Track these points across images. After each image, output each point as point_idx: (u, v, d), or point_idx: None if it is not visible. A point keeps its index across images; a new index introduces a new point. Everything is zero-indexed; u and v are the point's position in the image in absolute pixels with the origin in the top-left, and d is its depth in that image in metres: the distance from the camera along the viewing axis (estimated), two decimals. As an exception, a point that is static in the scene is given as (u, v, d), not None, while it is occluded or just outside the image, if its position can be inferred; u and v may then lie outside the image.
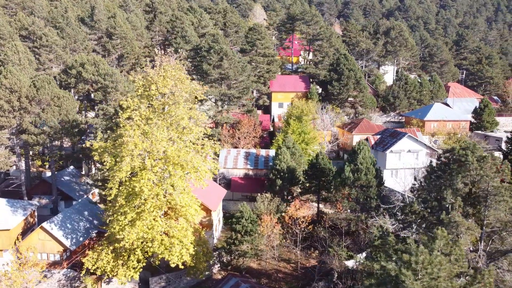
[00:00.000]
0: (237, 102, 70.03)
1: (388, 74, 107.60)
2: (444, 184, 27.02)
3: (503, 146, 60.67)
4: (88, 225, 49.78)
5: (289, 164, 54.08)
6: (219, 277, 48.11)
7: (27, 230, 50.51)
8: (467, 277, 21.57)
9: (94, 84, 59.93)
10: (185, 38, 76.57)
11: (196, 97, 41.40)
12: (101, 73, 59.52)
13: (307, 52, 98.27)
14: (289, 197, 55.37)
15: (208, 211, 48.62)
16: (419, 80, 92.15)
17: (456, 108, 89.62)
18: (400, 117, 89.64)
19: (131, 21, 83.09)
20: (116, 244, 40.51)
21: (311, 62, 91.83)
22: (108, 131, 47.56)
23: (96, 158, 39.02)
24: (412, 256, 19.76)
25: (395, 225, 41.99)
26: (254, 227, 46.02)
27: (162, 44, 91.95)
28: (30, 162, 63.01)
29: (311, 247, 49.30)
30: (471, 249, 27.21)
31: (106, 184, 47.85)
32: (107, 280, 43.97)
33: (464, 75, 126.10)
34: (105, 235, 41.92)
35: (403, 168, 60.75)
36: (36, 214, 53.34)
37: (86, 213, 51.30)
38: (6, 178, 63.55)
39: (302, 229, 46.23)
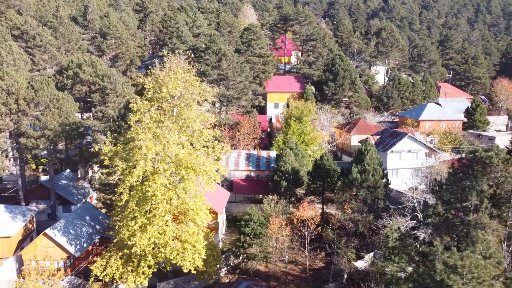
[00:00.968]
0: (236, 103, 69.50)
1: (379, 74, 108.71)
2: (468, 186, 27.25)
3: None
4: (90, 231, 48.55)
5: (294, 165, 53.94)
6: (226, 280, 47.62)
7: (26, 236, 48.90)
8: (501, 279, 21.78)
9: (92, 85, 58.51)
10: (181, 38, 75.55)
11: (206, 99, 40.71)
12: (99, 74, 58.20)
13: (301, 52, 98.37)
14: (293, 199, 55.28)
15: (214, 214, 48.04)
16: (412, 80, 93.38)
17: (447, 108, 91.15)
18: (394, 117, 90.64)
19: (124, 21, 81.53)
20: (126, 250, 39.61)
21: (305, 63, 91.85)
22: (113, 134, 46.42)
23: (106, 162, 37.93)
24: (458, 260, 19.77)
25: (406, 226, 42.36)
26: (263, 229, 45.71)
27: (155, 44, 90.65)
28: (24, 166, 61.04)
29: (317, 249, 49.32)
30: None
31: (115, 189, 46.95)
32: (114, 287, 42.93)
33: (451, 75, 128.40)
34: (114, 241, 40.85)
35: (404, 168, 61.42)
36: (34, 220, 51.71)
37: (87, 218, 50.02)
38: (0, 183, 61.49)
39: (311, 231, 46.11)
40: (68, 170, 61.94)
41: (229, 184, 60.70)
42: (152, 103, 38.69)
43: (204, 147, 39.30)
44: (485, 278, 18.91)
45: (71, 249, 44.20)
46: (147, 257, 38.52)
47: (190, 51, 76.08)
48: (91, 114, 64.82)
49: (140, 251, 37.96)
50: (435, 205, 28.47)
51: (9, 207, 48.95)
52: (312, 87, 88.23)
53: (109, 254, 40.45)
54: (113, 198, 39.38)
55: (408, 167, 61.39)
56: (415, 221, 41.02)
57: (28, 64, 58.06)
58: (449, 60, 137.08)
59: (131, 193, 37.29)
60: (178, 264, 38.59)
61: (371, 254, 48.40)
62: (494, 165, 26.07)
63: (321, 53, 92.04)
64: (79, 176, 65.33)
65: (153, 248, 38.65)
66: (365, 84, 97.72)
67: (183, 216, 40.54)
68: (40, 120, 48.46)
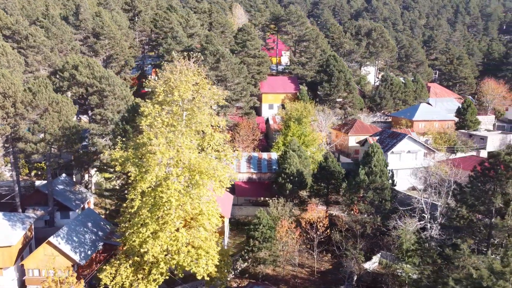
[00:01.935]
0: (234, 104, 68.88)
1: (370, 75, 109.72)
2: (491, 189, 27.54)
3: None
4: (93, 237, 47.24)
5: (298, 167, 53.76)
6: (235, 285, 47.10)
7: (26, 245, 47.20)
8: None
9: (89, 87, 56.93)
10: (176, 38, 74.35)
11: (217, 103, 40.01)
12: (97, 76, 56.69)
13: (294, 53, 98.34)
14: (296, 201, 55.11)
15: (222, 218, 47.41)
16: (403, 81, 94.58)
17: (438, 108, 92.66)
18: (386, 117, 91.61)
19: (116, 20, 79.75)
20: (136, 258, 38.62)
21: (298, 63, 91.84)
22: (117, 138, 45.13)
23: (118, 168, 36.81)
24: (506, 267, 19.87)
25: (415, 227, 42.69)
26: (272, 233, 45.36)
27: (147, 44, 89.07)
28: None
29: (325, 251, 49.27)
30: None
31: (121, 195, 45.77)
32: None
33: (437, 75, 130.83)
34: (123, 248, 39.73)
35: (403, 168, 62.05)
36: (33, 227, 49.95)
37: (90, 224, 48.66)
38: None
39: (320, 233, 46.01)
40: (64, 175, 60.13)
41: (231, 187, 59.96)
42: (163, 106, 37.77)
43: (215, 151, 38.66)
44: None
45: (76, 257, 42.87)
46: (160, 264, 37.63)
47: (184, 51, 75.31)
48: (86, 116, 63.14)
49: (153, 259, 37.04)
50: (459, 208, 28.69)
51: (7, 215, 47.17)
52: (306, 88, 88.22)
53: (118, 262, 39.32)
54: (124, 205, 38.19)
55: (407, 168, 62.07)
56: (429, 223, 41.39)
57: (22, 65, 56.02)
58: (434, 60, 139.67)
59: (143, 199, 36.32)
60: (191, 271, 37.84)
61: (378, 255, 48.76)
62: (518, 168, 26.41)
63: (314, 54, 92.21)
64: (74, 180, 63.55)
65: (166, 255, 37.79)
66: (357, 85, 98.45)
67: (194, 222, 39.82)
68: (39, 124, 46.76)
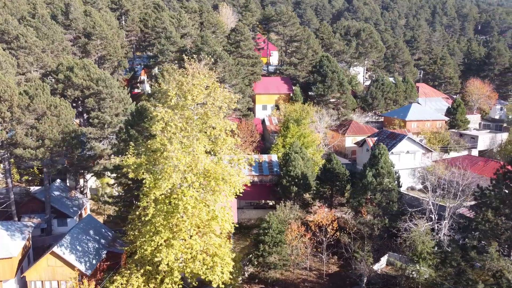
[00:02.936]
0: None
1: (358, 75, 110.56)
2: (516, 192, 27.83)
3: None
4: (97, 246, 45.63)
5: (303, 170, 53.47)
6: (243, 290, 46.43)
7: (25, 255, 45.19)
8: None
9: (85, 90, 55.05)
10: (170, 39, 72.87)
11: (229, 107, 39.20)
12: (93, 78, 54.89)
13: (285, 53, 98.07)
14: (300, 204, 54.76)
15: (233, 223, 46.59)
16: (394, 81, 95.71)
17: (427, 108, 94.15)
18: (378, 117, 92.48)
19: (106, 20, 77.58)
20: (148, 267, 37.47)
21: (291, 64, 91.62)
22: (122, 143, 43.73)
23: (131, 175, 35.56)
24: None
25: (426, 228, 43.01)
26: (282, 237, 44.90)
27: (137, 44, 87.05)
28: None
29: (335, 254, 49.14)
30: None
31: (126, 202, 44.29)
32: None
33: (421, 75, 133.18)
34: (134, 257, 38.45)
35: (402, 169, 62.59)
36: (30, 236, 47.86)
37: (92, 232, 46.99)
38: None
39: (329, 236, 45.85)
40: (58, 180, 57.97)
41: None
42: (176, 111, 36.72)
43: (231, 156, 37.88)
44: None
45: (82, 267, 41.24)
46: (174, 273, 36.60)
47: (179, 52, 73.98)
48: (80, 120, 61.11)
49: (167, 267, 35.99)
50: (484, 211, 28.91)
51: (5, 224, 45.05)
52: (299, 89, 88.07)
53: (128, 271, 38.06)
54: (134, 212, 36.91)
55: (406, 168, 62.69)
56: (439, 224, 41.72)
57: (14, 67, 53.63)
58: (418, 60, 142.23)
59: (158, 207, 35.20)
60: (206, 279, 36.97)
61: (386, 256, 49.00)
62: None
63: (306, 54, 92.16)
64: (68, 185, 61.39)
65: (180, 264, 36.78)
66: (349, 85, 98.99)
67: (206, 228, 38.93)
68: (38, 129, 44.79)
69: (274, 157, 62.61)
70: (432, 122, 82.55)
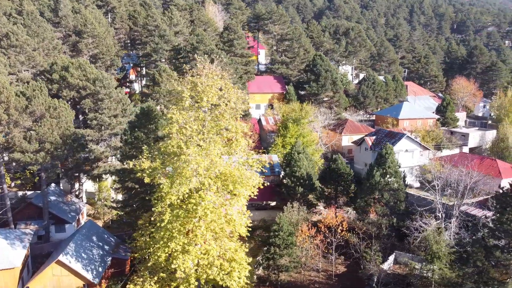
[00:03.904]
0: (230, 106, 66.90)
1: (347, 74, 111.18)
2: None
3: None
4: (101, 252, 44.07)
5: (308, 170, 53.13)
6: (255, 294, 45.74)
7: (25, 264, 43.09)
8: None
9: (82, 90, 53.03)
10: (164, 37, 71.13)
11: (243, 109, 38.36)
12: (90, 78, 52.92)
13: (276, 51, 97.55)
14: (306, 205, 54.43)
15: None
16: (384, 80, 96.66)
17: (417, 106, 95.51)
18: (369, 116, 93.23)
19: (95, 17, 75.10)
20: (162, 274, 36.31)
21: (282, 63, 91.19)
22: (126, 146, 42.22)
23: (146, 180, 34.22)
24: None
25: (435, 227, 43.35)
26: (292, 239, 44.43)
27: (127, 42, 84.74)
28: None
29: (344, 254, 48.99)
30: None
31: (133, 206, 42.79)
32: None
33: (406, 74, 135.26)
34: (148, 264, 37.14)
35: (401, 167, 63.11)
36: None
37: (95, 238, 45.35)
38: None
39: (340, 237, 45.67)
40: (53, 185, 55.72)
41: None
42: (190, 112, 35.60)
43: (246, 158, 37.04)
44: None
45: (89, 276, 39.69)
46: (190, 280, 35.54)
47: (173, 51, 72.39)
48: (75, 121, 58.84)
49: (184, 274, 34.91)
50: (509, 211, 29.20)
51: (3, 232, 42.93)
52: (293, 88, 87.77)
53: (141, 279, 36.77)
54: (152, 218, 35.60)
55: (405, 167, 63.20)
56: (448, 223, 42.11)
57: (7, 66, 51.06)
58: (402, 59, 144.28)
59: (174, 212, 34.05)
60: (224, 285, 36.09)
61: (393, 255, 49.22)
62: None
63: (297, 53, 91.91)
64: (62, 189, 59.12)
65: (196, 270, 35.76)
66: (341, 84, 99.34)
67: (221, 232, 38.02)
68: (37, 132, 42.75)
69: (274, 157, 62.05)
70: (423, 120, 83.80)
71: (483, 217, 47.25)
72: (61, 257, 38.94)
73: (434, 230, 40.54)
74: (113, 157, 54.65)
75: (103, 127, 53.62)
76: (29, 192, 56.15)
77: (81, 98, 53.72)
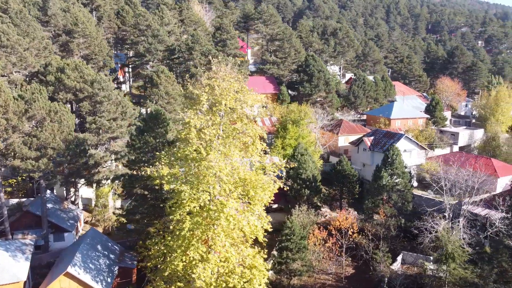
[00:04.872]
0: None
1: (336, 74, 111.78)
2: None
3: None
4: (108, 262, 42.38)
5: (313, 172, 52.83)
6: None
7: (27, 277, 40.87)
8: None
9: (79, 92, 50.93)
10: (158, 37, 69.32)
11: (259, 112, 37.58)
12: (87, 80, 50.86)
13: (266, 51, 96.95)
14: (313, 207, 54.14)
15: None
16: (374, 80, 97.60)
17: (405, 106, 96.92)
18: (360, 115, 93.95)
19: (85, 16, 72.42)
20: (179, 283, 35.12)
21: (274, 63, 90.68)
22: (135, 151, 40.66)
23: (166, 187, 32.93)
24: None
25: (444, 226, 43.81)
26: (304, 243, 43.99)
27: (118, 42, 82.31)
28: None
29: (354, 256, 48.92)
30: None
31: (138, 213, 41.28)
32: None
33: (389, 73, 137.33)
34: (164, 274, 35.80)
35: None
36: (29, 255, 43.44)
37: (99, 247, 43.57)
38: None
39: (352, 239, 45.56)
40: (48, 191, 53.23)
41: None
42: (208, 117, 34.55)
43: (263, 163, 36.29)
44: None
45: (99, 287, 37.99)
46: (210, 288, 34.52)
47: (167, 51, 70.73)
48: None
49: (204, 284, 33.84)
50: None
51: (2, 244, 40.68)
52: (286, 88, 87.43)
53: (157, 290, 35.50)
54: (171, 227, 34.29)
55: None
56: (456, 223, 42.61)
57: (0, 68, 48.34)
58: (385, 58, 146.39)
59: (194, 220, 32.93)
60: (244, 293, 35.24)
61: (400, 256, 49.52)
62: None
63: (289, 53, 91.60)
64: (56, 195, 56.67)
65: (217, 278, 34.75)
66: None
67: (238, 239, 37.13)
68: (38, 137, 40.65)
69: (275, 159, 61.41)
70: (414, 120, 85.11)
71: (486, 215, 48.20)
72: (70, 269, 37.11)
73: (447, 230, 40.90)
74: (113, 161, 52.80)
75: (101, 131, 51.71)
76: (22, 200, 53.51)
77: (78, 100, 51.59)
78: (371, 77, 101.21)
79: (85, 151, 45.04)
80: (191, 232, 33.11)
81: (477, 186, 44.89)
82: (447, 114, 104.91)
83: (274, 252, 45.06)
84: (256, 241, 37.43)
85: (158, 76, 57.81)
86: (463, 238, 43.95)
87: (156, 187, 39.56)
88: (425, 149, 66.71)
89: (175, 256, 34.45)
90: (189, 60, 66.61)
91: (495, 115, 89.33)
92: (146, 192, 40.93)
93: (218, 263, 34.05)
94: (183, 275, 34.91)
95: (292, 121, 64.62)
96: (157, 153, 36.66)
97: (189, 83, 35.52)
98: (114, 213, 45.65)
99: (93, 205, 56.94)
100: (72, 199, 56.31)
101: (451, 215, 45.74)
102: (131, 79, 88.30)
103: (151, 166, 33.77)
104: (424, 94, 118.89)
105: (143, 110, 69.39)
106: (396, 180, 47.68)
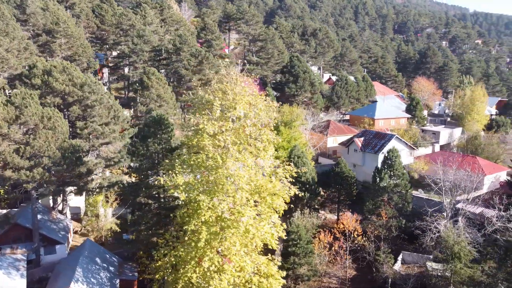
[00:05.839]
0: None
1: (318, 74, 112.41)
2: None
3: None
4: (108, 275, 40.38)
5: (312, 175, 52.58)
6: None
7: (21, 294, 38.20)
8: None
9: (68, 96, 48.27)
10: (143, 37, 66.96)
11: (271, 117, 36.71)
12: (77, 83, 48.28)
13: (248, 52, 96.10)
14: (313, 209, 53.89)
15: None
16: (356, 80, 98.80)
17: (386, 106, 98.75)
18: (343, 115, 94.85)
19: (65, 14, 68.90)
20: (193, 296, 33.83)
21: (257, 64, 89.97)
22: (136, 158, 38.85)
23: (182, 197, 31.51)
24: None
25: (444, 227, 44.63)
26: (310, 247, 43.65)
27: (99, 42, 79.02)
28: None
29: (358, 258, 49.02)
30: None
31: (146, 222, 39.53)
32: None
33: (365, 73, 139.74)
34: (178, 286, 34.32)
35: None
36: (21, 271, 40.62)
37: (98, 260, 41.45)
38: None
39: (356, 242, 45.62)
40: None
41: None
42: (221, 122, 33.41)
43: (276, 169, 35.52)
44: None
45: (104, 303, 36.07)
46: (226, 300, 33.41)
47: (153, 52, 68.56)
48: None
49: (221, 296, 32.75)
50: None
51: (-5, 261, 37.70)
52: (272, 89, 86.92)
53: (168, 304, 34.06)
54: (186, 238, 32.79)
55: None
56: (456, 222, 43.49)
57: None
58: (360, 58, 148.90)
59: (211, 230, 31.75)
60: (260, 302, 34.37)
61: (400, 256, 50.12)
62: None
63: (272, 54, 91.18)
64: (43, 205, 53.54)
65: (233, 289, 33.72)
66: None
67: (250, 246, 36.23)
68: (32, 146, 38.09)
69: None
70: (396, 120, 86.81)
71: (481, 213, 49.59)
72: (73, 285, 34.96)
73: (451, 230, 41.66)
74: (106, 169, 50.45)
75: (91, 136, 49.28)
76: (7, 210, 50.15)
77: (66, 105, 48.89)
78: (352, 78, 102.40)
79: (81, 158, 42.66)
80: (210, 243, 31.95)
81: (475, 186, 46.02)
82: (424, 113, 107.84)
83: (275, 257, 44.41)
84: (265, 247, 36.88)
85: (148, 78, 55.76)
86: (466, 237, 44.97)
87: (161, 196, 38.00)
88: (414, 148, 68.03)
89: (188, 267, 33.15)
90: (177, 61, 64.71)
91: (471, 114, 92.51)
92: (150, 201, 39.22)
93: (233, 273, 33.06)
94: (198, 287, 33.67)
95: (284, 123, 64.12)
96: (166, 160, 35.17)
97: (199, 88, 34.28)
98: (116, 224, 43.49)
99: (82, 214, 54.30)
100: (60, 208, 53.40)
101: (449, 215, 46.68)
102: (109, 81, 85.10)
103: (163, 175, 32.27)
104: (401, 94, 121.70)
105: (126, 113, 66.87)
106: (396, 181, 48.15)
